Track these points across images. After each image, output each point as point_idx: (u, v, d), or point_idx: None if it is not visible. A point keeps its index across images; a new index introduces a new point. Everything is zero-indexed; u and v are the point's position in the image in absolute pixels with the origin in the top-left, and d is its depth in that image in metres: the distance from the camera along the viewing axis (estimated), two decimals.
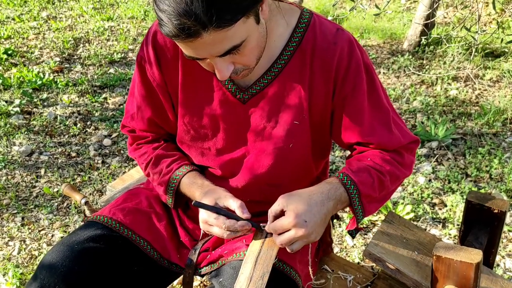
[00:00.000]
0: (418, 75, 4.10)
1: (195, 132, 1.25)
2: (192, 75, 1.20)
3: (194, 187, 1.22)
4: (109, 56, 4.41)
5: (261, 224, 1.13)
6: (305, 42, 1.14)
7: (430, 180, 2.78)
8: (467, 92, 3.86)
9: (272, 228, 1.05)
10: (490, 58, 4.40)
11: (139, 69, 1.25)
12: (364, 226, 2.44)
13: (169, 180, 1.26)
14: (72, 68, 4.22)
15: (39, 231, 2.39)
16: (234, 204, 1.10)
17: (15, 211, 2.52)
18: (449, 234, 2.38)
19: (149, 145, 1.33)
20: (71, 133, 3.24)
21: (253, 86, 1.18)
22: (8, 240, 2.33)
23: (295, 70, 1.16)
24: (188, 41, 0.92)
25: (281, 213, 1.06)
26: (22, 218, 2.47)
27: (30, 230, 2.39)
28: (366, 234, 2.40)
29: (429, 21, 4.24)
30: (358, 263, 2.19)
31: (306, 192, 1.09)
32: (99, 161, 2.95)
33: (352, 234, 1.23)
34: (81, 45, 4.71)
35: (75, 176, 2.80)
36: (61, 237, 2.34)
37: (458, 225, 2.44)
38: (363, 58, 1.17)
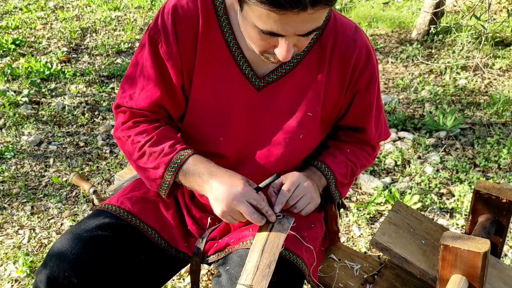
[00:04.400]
0: (427, 64, 4.07)
1: (206, 117, 1.22)
2: (210, 57, 1.17)
3: (210, 164, 1.16)
4: (116, 46, 4.41)
5: (274, 208, 1.16)
6: (325, 36, 1.17)
7: (437, 170, 2.77)
8: (476, 81, 3.82)
9: (296, 196, 1.19)
10: (500, 47, 4.35)
11: (150, 45, 1.17)
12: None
13: (172, 159, 1.16)
14: (79, 58, 4.22)
15: (48, 219, 2.42)
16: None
17: (25, 200, 2.54)
18: (457, 224, 2.38)
19: (149, 124, 1.23)
20: (79, 123, 3.25)
21: (270, 74, 1.18)
22: (18, 229, 2.35)
23: (314, 63, 1.18)
24: (290, 13, 0.89)
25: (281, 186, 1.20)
26: (32, 207, 2.50)
27: (39, 219, 2.42)
28: (373, 224, 2.40)
29: (438, 9, 4.19)
30: (365, 252, 2.20)
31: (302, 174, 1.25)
32: (107, 151, 2.97)
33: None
34: (88, 35, 4.72)
35: (84, 166, 2.82)
36: (70, 226, 2.37)
37: (465, 215, 2.43)
38: (376, 58, 1.24)
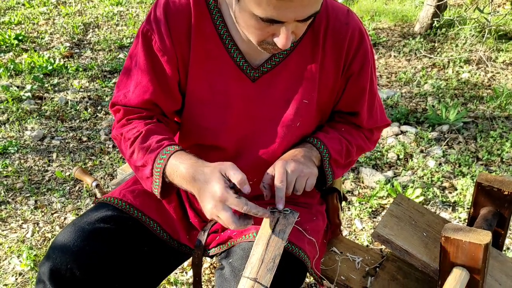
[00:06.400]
0: (430, 58, 4.05)
1: (204, 110, 1.23)
2: (204, 51, 1.17)
3: (191, 159, 1.09)
4: (119, 41, 4.41)
5: (277, 206, 1.11)
6: (317, 21, 1.17)
7: (440, 164, 2.76)
8: (479, 75, 3.80)
9: (289, 183, 1.12)
10: (503, 40, 4.32)
11: (144, 42, 1.16)
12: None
13: (158, 154, 1.11)
14: (82, 53, 4.23)
15: (52, 214, 2.43)
16: (235, 177, 1.00)
17: (28, 195, 2.55)
18: (459, 218, 2.38)
19: (141, 121, 1.20)
20: (82, 118, 3.26)
21: (264, 64, 1.18)
22: (22, 223, 2.37)
23: (307, 49, 1.18)
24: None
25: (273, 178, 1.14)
26: (35, 201, 2.51)
27: (43, 213, 2.43)
28: (375, 218, 2.40)
29: (441, 2, 4.17)
30: (367, 245, 2.20)
31: (290, 154, 1.21)
32: (110, 146, 2.97)
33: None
34: (91, 30, 4.72)
35: (87, 160, 2.83)
36: None
37: (468, 208, 2.43)
38: (369, 42, 1.22)
